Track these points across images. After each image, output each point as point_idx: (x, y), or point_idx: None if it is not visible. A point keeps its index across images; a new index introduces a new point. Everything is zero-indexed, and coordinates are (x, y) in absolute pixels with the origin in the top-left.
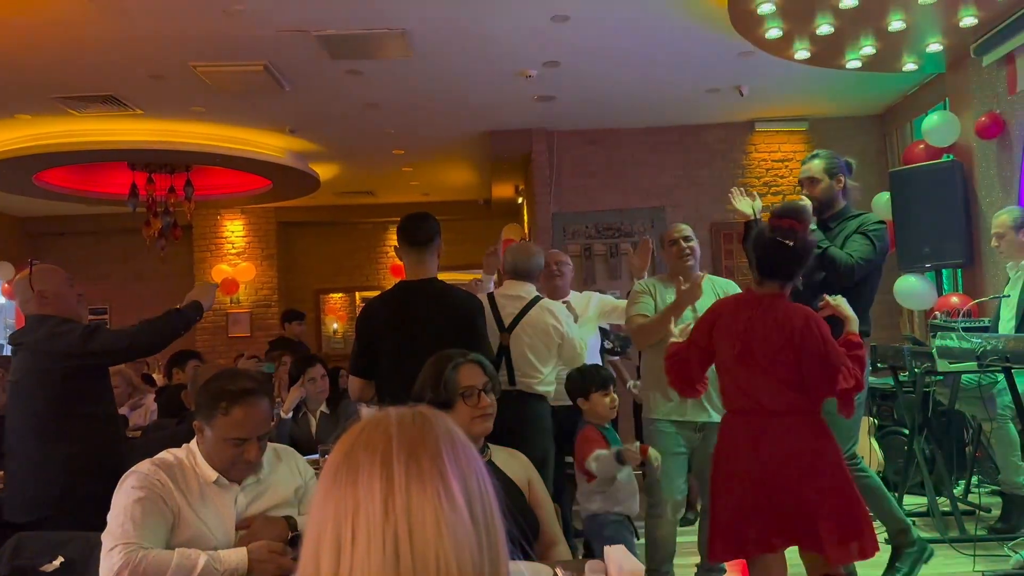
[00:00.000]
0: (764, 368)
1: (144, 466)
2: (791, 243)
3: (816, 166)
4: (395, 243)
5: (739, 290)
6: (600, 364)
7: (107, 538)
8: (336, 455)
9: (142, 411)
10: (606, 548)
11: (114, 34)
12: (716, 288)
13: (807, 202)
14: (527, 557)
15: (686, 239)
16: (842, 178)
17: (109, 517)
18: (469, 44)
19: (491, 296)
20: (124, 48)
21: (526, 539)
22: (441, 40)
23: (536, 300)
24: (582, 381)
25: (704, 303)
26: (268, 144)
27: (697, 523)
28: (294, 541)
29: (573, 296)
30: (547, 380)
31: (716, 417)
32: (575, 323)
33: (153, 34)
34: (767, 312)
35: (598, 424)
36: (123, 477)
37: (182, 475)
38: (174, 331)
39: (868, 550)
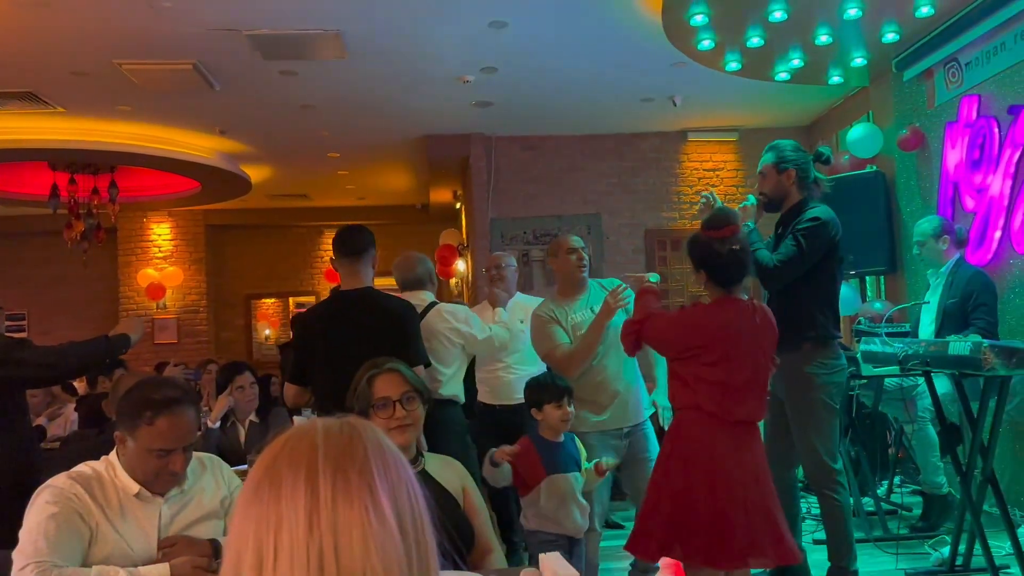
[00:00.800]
0: (752, 376)
1: (59, 480)
2: (738, 248)
3: (766, 160)
4: (330, 247)
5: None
6: (556, 375)
7: (18, 556)
8: (258, 469)
9: (61, 420)
10: (541, 556)
11: (34, 28)
12: (604, 287)
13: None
14: (460, 567)
15: (584, 248)
16: (792, 171)
17: (21, 534)
18: (406, 47)
19: None
20: (45, 43)
21: (458, 550)
22: (377, 42)
23: (430, 306)
24: (537, 391)
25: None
26: (197, 145)
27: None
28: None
29: (521, 298)
30: (451, 382)
31: (639, 417)
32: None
33: (76, 29)
34: (756, 318)
35: (552, 436)
36: (36, 492)
37: (100, 489)
38: (100, 359)
39: (794, 556)
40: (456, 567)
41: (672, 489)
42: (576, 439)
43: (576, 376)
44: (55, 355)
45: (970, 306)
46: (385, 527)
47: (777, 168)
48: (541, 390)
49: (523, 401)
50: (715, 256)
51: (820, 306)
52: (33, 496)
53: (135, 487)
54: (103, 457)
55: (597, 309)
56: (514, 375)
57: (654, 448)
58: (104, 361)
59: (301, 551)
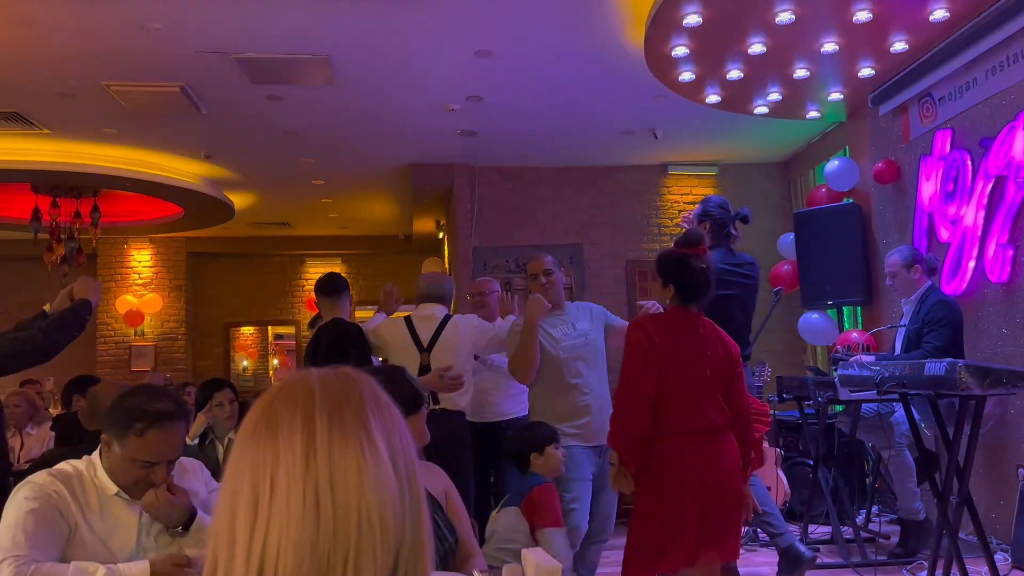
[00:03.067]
0: (712, 384)
1: (40, 477)
2: (706, 267)
3: (696, 211)
4: (311, 277)
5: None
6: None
7: None
8: (255, 411)
9: (39, 436)
10: (524, 551)
11: (21, 47)
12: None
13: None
14: (446, 566)
15: (546, 273)
16: (707, 223)
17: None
18: (392, 74)
19: (408, 319)
20: (31, 63)
21: (444, 548)
22: (364, 69)
23: (447, 319)
24: (533, 436)
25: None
26: (181, 170)
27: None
28: (188, 524)
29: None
30: (465, 394)
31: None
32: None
33: (64, 49)
34: (708, 331)
35: (550, 478)
36: (16, 488)
37: (80, 487)
38: (70, 334)
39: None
40: (444, 566)
41: (649, 506)
42: None
43: (527, 380)
44: (12, 343)
45: (925, 329)
46: (380, 464)
47: (698, 219)
48: (537, 432)
49: (504, 418)
50: (688, 272)
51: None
52: (13, 492)
53: (114, 488)
54: (85, 456)
55: (578, 326)
56: (499, 395)
57: None
58: (76, 334)
59: (297, 488)
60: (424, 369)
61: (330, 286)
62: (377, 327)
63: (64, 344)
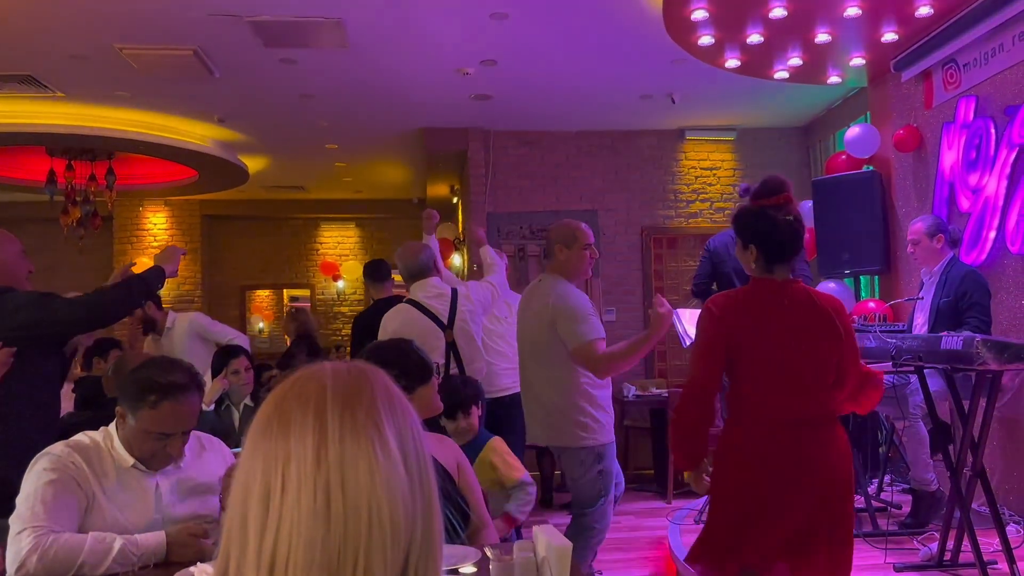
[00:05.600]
0: (809, 369)
1: (57, 448)
2: (792, 218)
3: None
4: (326, 240)
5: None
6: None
7: (15, 521)
8: (267, 406)
9: (63, 396)
10: (535, 528)
11: (33, 9)
12: None
13: None
14: (455, 540)
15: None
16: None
17: (18, 500)
18: (407, 37)
19: (415, 303)
20: (44, 25)
21: (456, 521)
22: (378, 31)
23: (455, 292)
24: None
25: None
26: (195, 133)
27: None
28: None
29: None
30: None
31: None
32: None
33: (76, 11)
34: (800, 301)
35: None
36: (34, 459)
37: (98, 458)
38: (135, 299)
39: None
40: (453, 541)
41: (719, 503)
42: None
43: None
44: (83, 306)
45: (963, 305)
46: (391, 463)
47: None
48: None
49: (511, 392)
50: (771, 226)
51: None
52: (31, 463)
53: (130, 459)
54: (102, 428)
55: None
56: (506, 364)
57: None
58: (141, 301)
59: (308, 485)
60: (450, 347)
61: (378, 272)
62: (384, 324)
63: (120, 310)
